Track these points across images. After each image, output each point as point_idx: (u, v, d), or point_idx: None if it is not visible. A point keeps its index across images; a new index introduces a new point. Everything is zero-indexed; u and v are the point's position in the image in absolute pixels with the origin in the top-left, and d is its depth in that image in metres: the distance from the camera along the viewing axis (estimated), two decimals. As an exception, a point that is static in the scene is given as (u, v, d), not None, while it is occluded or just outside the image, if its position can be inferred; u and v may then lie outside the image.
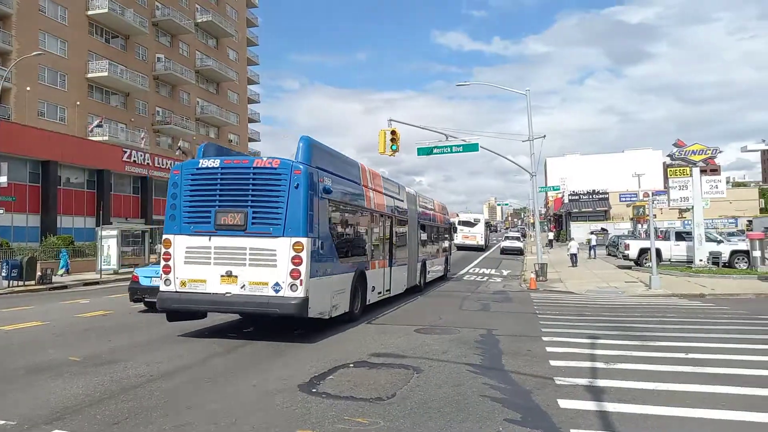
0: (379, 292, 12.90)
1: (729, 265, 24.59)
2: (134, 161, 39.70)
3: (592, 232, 48.24)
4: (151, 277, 13.08)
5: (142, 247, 29.78)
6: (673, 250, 26.58)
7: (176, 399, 6.19)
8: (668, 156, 26.68)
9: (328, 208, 9.88)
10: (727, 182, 65.65)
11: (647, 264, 25.66)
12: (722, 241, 26.37)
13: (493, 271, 28.50)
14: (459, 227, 44.55)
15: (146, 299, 12.97)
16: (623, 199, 61.32)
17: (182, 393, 6.41)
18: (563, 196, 69.56)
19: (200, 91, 58.23)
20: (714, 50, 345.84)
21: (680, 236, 27.26)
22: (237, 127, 64.50)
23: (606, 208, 65.09)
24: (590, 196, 66.37)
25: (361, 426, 5.26)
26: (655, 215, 21.41)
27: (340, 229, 10.52)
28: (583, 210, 65.43)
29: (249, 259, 9.01)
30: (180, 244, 9.39)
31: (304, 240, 8.88)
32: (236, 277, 9.05)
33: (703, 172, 24.54)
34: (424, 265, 18.25)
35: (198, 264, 9.25)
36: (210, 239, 9.19)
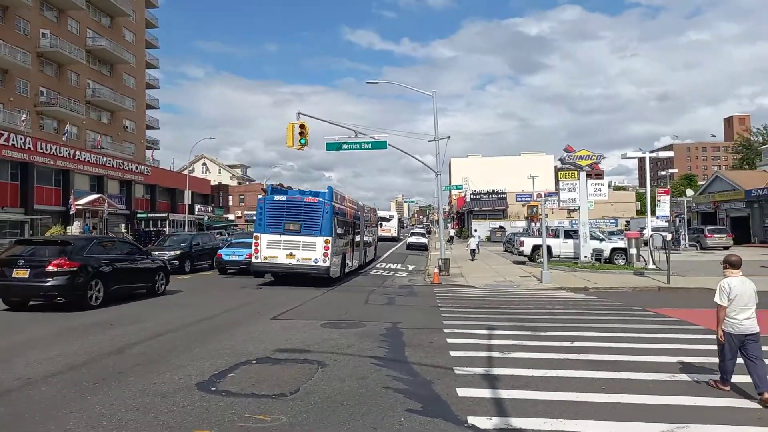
0: (350, 266, 22.63)
1: (609, 261, 25.92)
2: (12, 145, 36.60)
3: (475, 231, 50.21)
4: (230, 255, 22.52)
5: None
6: (562, 247, 27.68)
7: (59, 403, 5.76)
8: (559, 160, 27.86)
9: (336, 220, 19.28)
10: (609, 186, 71.01)
11: (539, 260, 26.56)
12: (604, 240, 27.42)
13: (399, 266, 28.80)
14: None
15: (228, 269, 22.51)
16: (519, 199, 63.41)
17: (66, 397, 5.98)
18: (465, 195, 72.18)
19: (91, 72, 53.90)
20: (599, 65, 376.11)
21: (568, 234, 28.40)
22: (133, 113, 60.76)
23: (504, 207, 68.40)
24: (490, 196, 69.45)
25: (263, 423, 5.10)
26: (546, 215, 22.76)
27: (340, 231, 20.13)
28: (483, 208, 68.32)
29: (301, 247, 17.96)
30: (264, 238, 18.15)
31: (330, 238, 18.13)
32: (294, 255, 17.93)
33: (588, 176, 26.30)
34: (364, 252, 26.82)
35: (274, 249, 18.11)
36: (281, 236, 18.05)
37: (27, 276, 12.00)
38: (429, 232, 74.97)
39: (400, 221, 71.83)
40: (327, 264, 18.27)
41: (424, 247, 44.84)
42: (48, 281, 11.98)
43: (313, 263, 18.24)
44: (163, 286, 15.70)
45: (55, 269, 12.09)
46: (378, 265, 29.58)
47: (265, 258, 18.47)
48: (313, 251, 18.31)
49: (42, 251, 12.48)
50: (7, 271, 12.14)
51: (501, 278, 21.95)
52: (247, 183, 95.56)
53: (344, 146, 23.28)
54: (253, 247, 18.84)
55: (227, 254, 23.00)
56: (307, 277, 19.16)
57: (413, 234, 48.92)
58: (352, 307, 13.70)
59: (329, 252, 18.45)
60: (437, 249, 38.37)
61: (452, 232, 62.49)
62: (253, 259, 18.75)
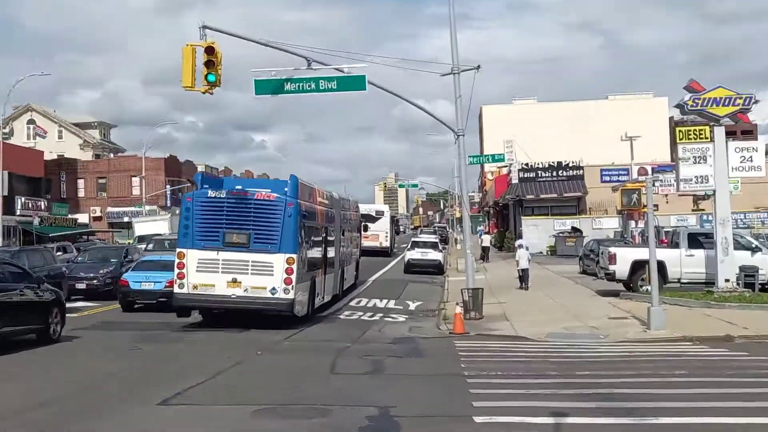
0: (321, 297, 24.80)
1: (772, 286, 28.00)
2: None
3: (520, 239, 49.68)
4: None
5: None
6: (685, 263, 27.68)
7: None
8: (676, 106, 27.64)
9: (303, 227, 21.83)
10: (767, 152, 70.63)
11: (644, 288, 26.28)
12: (760, 249, 27.83)
13: (392, 303, 28.84)
14: None
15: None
16: (607, 177, 63.32)
17: None
18: (510, 172, 71.78)
19: None
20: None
21: (695, 240, 28.38)
22: None
23: (580, 194, 67.65)
24: (554, 174, 68.64)
25: None
26: (656, 206, 22.81)
27: (308, 243, 22.56)
28: (542, 196, 67.87)
29: (251, 269, 19.84)
30: (192, 257, 20.11)
31: (294, 255, 20.03)
32: (240, 282, 19.83)
33: (731, 134, 26.00)
34: (341, 274, 29.25)
35: (208, 272, 20.03)
36: (219, 253, 20.05)
37: None
38: (445, 241, 74.71)
39: (393, 221, 73.81)
40: (290, 296, 20.23)
41: (436, 268, 45.32)
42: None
43: (270, 295, 20.10)
44: (58, 329, 18.77)
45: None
46: (356, 301, 29.44)
47: (195, 287, 20.34)
48: (269, 276, 20.18)
49: None
50: None
51: (576, 322, 22.01)
52: (112, 156, 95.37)
53: (288, 86, 23.38)
54: (176, 271, 20.71)
55: (136, 280, 25.45)
56: (258, 316, 20.99)
57: (417, 245, 48.74)
58: (310, 377, 13.92)
59: (293, 276, 20.32)
60: (460, 271, 37.90)
61: (486, 239, 61.77)
62: (176, 289, 20.70)
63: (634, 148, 53.31)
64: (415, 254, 46.56)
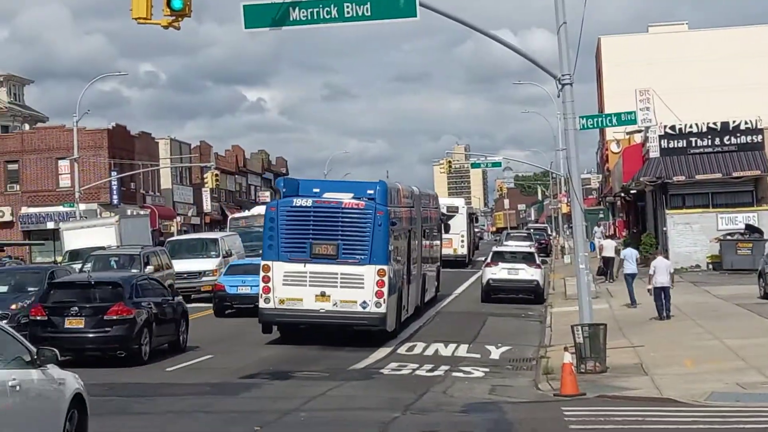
0: (407, 310, 33.65)
1: None
2: None
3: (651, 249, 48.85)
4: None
5: None
6: None
7: None
8: None
9: (392, 236, 29.05)
10: None
11: None
12: None
13: (463, 350, 28.54)
14: None
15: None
16: (800, 146, 58.96)
17: None
18: (647, 140, 70.80)
19: None
20: None
21: None
22: None
23: (759, 172, 66.67)
24: (717, 141, 67.54)
25: None
26: None
27: (396, 252, 30.51)
28: (699, 177, 66.55)
29: (340, 282, 28.10)
30: (278, 270, 28.00)
31: (386, 267, 28.19)
32: (329, 296, 28.19)
33: None
34: (423, 283, 39.40)
35: (295, 286, 28.06)
36: (306, 265, 27.94)
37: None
38: (547, 248, 74.14)
39: (471, 219, 78.69)
40: (382, 309, 26.34)
41: (532, 293, 45.60)
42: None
43: (360, 309, 26.60)
44: (185, 338, 27.05)
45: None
46: (406, 347, 29.57)
47: (282, 301, 27.16)
48: (359, 289, 26.55)
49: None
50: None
51: (756, 375, 21.41)
52: (27, 128, 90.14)
53: (294, 14, 22.66)
54: (261, 285, 27.32)
55: (232, 284, 32.82)
56: (347, 332, 27.60)
57: (501, 257, 48.01)
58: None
59: (385, 289, 26.41)
60: (570, 297, 38.60)
61: (609, 245, 61.26)
62: (262, 304, 27.41)
63: None
64: (498, 272, 45.32)
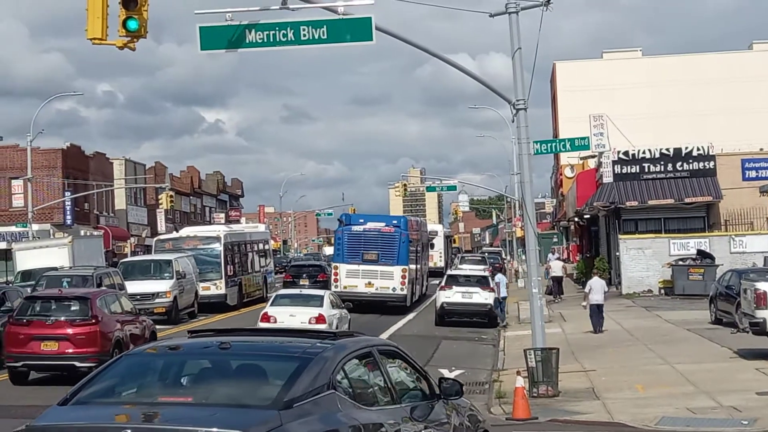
0: (416, 295, 57.92)
1: None
2: None
3: (595, 270, 49.82)
4: None
5: None
6: None
7: None
8: None
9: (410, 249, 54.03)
10: None
11: None
12: None
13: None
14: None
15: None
16: (752, 171, 63.70)
17: None
18: (601, 165, 71.45)
19: None
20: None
21: None
22: None
23: (710, 198, 67.30)
24: (670, 166, 68.25)
25: None
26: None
27: (412, 259, 56.02)
28: (651, 203, 67.14)
29: (380, 276, 53.32)
30: (343, 268, 53.88)
31: (406, 267, 54.68)
32: (373, 284, 53.19)
33: None
34: (423, 280, 64.28)
35: (353, 278, 53.94)
36: (359, 266, 54.18)
37: None
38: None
39: (448, 239, 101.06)
40: (405, 292, 47.52)
41: (485, 316, 46.60)
42: None
43: (392, 291, 47.80)
44: None
45: None
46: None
47: (345, 287, 47.31)
48: (391, 280, 47.60)
49: None
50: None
51: (705, 400, 22.12)
52: None
53: (251, 37, 22.99)
54: (333, 276, 48.11)
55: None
56: (384, 306, 47.56)
57: (455, 281, 48.86)
58: None
59: (406, 280, 47.34)
60: (523, 321, 39.59)
61: (557, 266, 61.87)
62: (333, 288, 43.43)
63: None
64: (452, 296, 45.94)
